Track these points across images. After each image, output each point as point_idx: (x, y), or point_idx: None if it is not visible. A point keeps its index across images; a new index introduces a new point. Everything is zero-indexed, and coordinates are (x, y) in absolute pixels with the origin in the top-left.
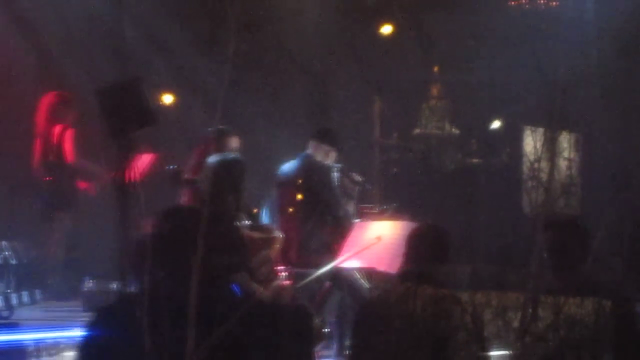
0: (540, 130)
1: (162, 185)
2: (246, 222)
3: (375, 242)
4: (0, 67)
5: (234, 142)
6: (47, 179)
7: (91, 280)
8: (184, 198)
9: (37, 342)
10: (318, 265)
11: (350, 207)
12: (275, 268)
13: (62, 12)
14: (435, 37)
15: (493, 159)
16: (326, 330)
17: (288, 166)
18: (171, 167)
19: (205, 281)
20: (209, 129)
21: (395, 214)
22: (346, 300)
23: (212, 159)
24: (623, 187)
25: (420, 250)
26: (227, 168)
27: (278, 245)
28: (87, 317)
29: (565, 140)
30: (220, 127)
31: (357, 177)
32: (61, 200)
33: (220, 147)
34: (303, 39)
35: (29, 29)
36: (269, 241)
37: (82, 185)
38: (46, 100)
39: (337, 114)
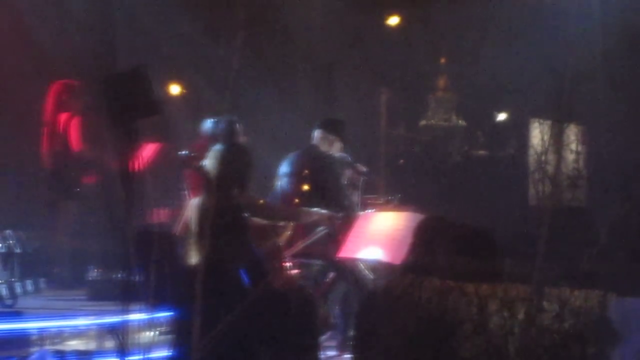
0: (547, 122)
1: (168, 174)
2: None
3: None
4: (4, 55)
5: (241, 131)
6: (53, 167)
7: (96, 270)
8: (189, 184)
9: (41, 330)
10: (323, 256)
11: (355, 198)
12: (282, 258)
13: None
14: (442, 29)
15: (499, 151)
16: (331, 320)
17: (293, 156)
18: (183, 152)
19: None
20: (216, 118)
21: (400, 205)
22: (350, 292)
23: (218, 146)
24: (629, 180)
25: (426, 242)
26: (233, 156)
27: (288, 233)
28: (91, 306)
29: (572, 133)
30: (227, 116)
31: (363, 168)
32: (67, 189)
33: (227, 136)
34: (310, 29)
35: (34, 17)
36: (277, 230)
37: (87, 174)
38: (54, 89)
39: (343, 104)
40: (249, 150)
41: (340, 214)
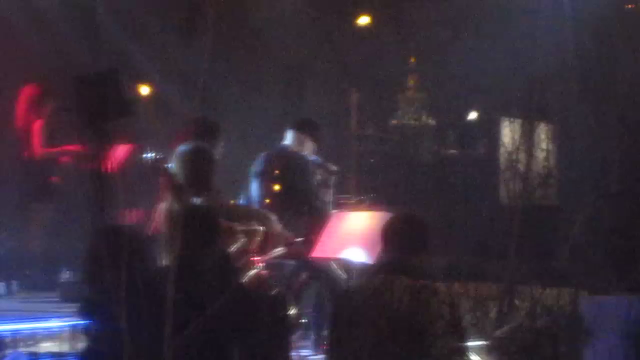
0: (518, 121)
1: (139, 175)
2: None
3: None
4: None
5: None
6: (24, 169)
7: (68, 272)
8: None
9: (14, 333)
10: (296, 256)
11: (327, 198)
12: (252, 257)
13: (36, 2)
14: (412, 28)
15: (470, 150)
16: (303, 320)
17: (265, 156)
18: (149, 155)
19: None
20: (188, 118)
21: (372, 205)
22: (323, 291)
23: (182, 147)
24: (600, 179)
25: (397, 240)
26: (195, 158)
27: (259, 238)
28: (64, 308)
29: (542, 131)
30: (200, 116)
31: (333, 167)
32: (38, 192)
33: (198, 137)
34: (279, 29)
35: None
36: (250, 233)
37: (58, 176)
38: (24, 92)
39: (313, 104)
40: (210, 150)
41: (299, 240)
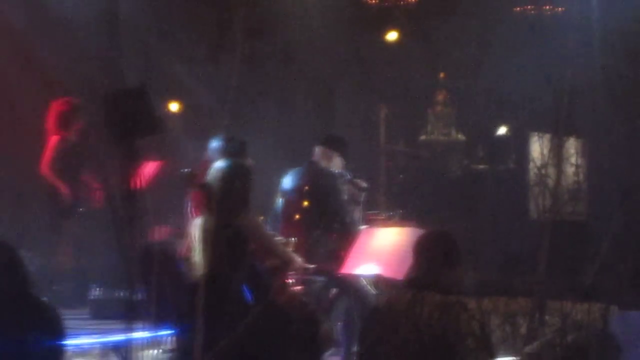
0: (547, 136)
1: (169, 192)
2: None
3: None
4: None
5: (246, 151)
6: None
7: (98, 288)
8: (192, 202)
9: None
10: (326, 272)
11: (357, 214)
12: (285, 274)
13: (65, 19)
14: (441, 44)
15: (499, 165)
16: (334, 337)
17: (294, 173)
18: (186, 170)
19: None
20: (221, 137)
21: (402, 221)
22: (353, 307)
23: (220, 164)
24: (629, 193)
25: (428, 256)
26: (234, 173)
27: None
28: (94, 325)
29: (571, 146)
30: (233, 135)
31: (363, 184)
32: (68, 209)
33: (231, 155)
34: (309, 46)
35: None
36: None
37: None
38: (55, 108)
39: (343, 120)
40: (251, 169)
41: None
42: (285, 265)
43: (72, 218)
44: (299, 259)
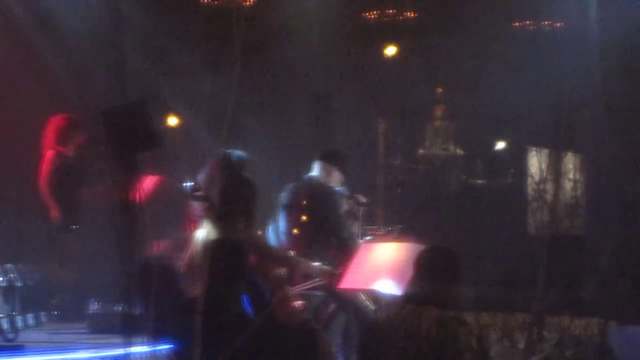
0: (545, 151)
1: (167, 206)
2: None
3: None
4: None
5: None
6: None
7: (96, 303)
8: (194, 216)
9: None
10: (324, 287)
11: (355, 229)
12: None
13: (63, 33)
14: (440, 59)
15: (498, 180)
16: (333, 351)
17: (292, 187)
18: (188, 184)
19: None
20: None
21: (400, 236)
22: (352, 322)
23: (225, 179)
24: (628, 208)
25: (428, 272)
26: (240, 190)
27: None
28: (92, 339)
29: (570, 161)
30: (231, 150)
31: (362, 199)
32: (66, 223)
33: (234, 170)
34: (308, 60)
35: (31, 51)
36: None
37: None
38: (54, 123)
39: (342, 135)
40: (255, 184)
41: (338, 271)
42: (292, 268)
43: (70, 233)
44: (303, 260)
